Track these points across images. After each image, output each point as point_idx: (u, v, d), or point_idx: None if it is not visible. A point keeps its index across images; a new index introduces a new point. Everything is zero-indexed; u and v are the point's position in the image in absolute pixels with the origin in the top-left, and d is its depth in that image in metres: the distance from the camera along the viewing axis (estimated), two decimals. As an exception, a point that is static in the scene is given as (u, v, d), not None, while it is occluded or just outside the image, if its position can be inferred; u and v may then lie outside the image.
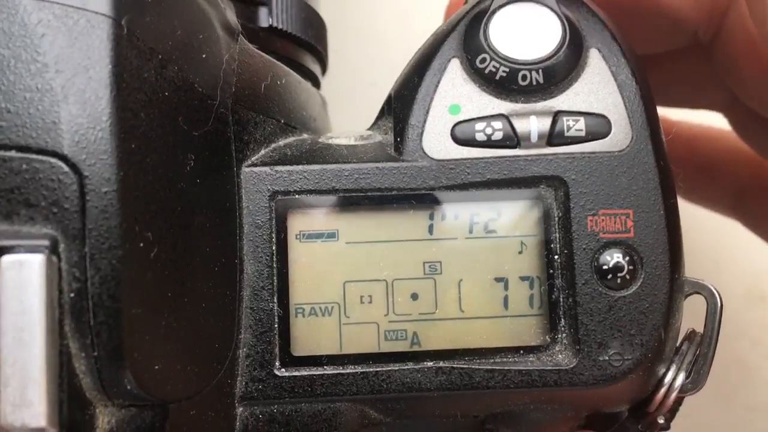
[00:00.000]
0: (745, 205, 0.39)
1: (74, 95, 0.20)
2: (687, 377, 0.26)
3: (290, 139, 0.27)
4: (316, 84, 0.34)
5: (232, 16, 0.26)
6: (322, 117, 0.32)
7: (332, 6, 0.38)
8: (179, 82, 0.22)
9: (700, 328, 0.27)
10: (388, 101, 0.28)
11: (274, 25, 0.30)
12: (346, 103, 0.43)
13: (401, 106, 0.26)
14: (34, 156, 0.20)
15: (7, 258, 0.19)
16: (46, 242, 0.20)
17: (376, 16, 0.48)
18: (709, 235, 0.46)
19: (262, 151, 0.26)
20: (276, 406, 0.25)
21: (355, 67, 0.46)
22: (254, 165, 0.25)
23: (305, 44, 0.32)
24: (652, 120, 0.25)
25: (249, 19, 0.29)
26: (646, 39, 0.30)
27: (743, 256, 0.47)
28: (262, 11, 0.30)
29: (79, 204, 0.20)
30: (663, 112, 0.38)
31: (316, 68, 0.34)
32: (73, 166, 0.20)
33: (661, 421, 0.27)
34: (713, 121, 0.38)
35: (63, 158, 0.20)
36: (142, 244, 0.21)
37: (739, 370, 0.47)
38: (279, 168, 0.25)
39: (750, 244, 0.41)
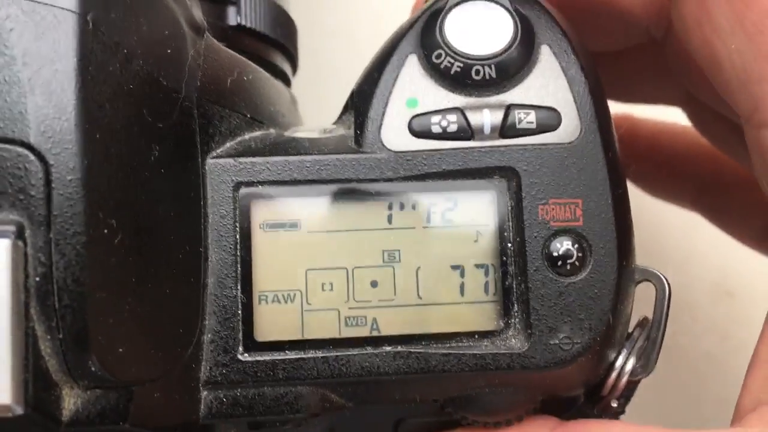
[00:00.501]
0: (707, 200, 0.40)
1: (41, 87, 0.21)
2: (637, 362, 0.27)
3: (256, 133, 0.28)
4: (287, 82, 0.35)
5: (198, 13, 0.27)
6: (291, 113, 0.33)
7: (308, 7, 0.39)
8: (144, 75, 0.23)
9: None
10: (351, 97, 0.29)
11: (243, 23, 0.31)
12: (322, 102, 0.44)
13: (362, 101, 0.27)
14: (0, 145, 0.21)
15: (-26, 242, 0.20)
16: (12, 228, 0.21)
17: (351, 17, 0.49)
18: (678, 230, 0.47)
19: (228, 144, 0.27)
20: (239, 390, 0.25)
21: (331, 68, 0.47)
22: (219, 156, 0.26)
23: (274, 42, 0.33)
24: (601, 113, 0.26)
25: (218, 17, 0.30)
26: (600, 36, 0.31)
27: (712, 252, 0.48)
28: (231, 10, 0.31)
29: (45, 191, 0.21)
30: (626, 108, 0.39)
31: (286, 66, 0.35)
32: (39, 155, 0.21)
33: (614, 405, 0.28)
34: (675, 117, 0.39)
35: (29, 147, 0.21)
36: (106, 231, 0.22)
37: (708, 364, 0.48)
38: (243, 159, 0.26)
39: (718, 239, 0.42)
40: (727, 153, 0.37)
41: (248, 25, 0.31)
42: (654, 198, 0.42)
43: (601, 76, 0.28)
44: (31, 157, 0.21)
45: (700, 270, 0.48)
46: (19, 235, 0.21)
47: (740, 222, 0.39)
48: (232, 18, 0.31)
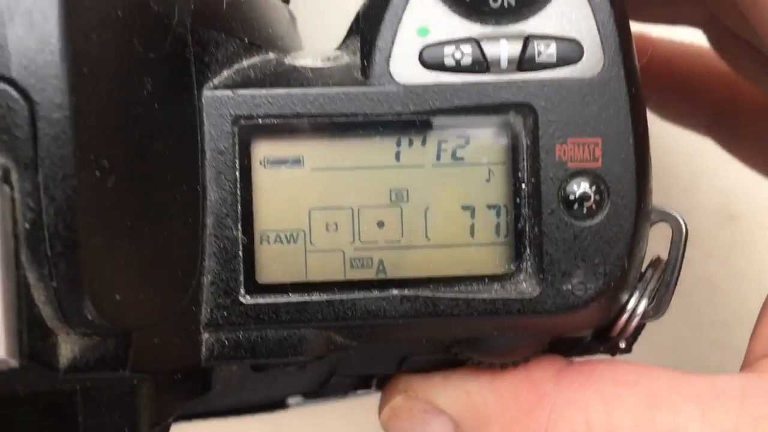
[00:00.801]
0: (721, 125, 0.39)
1: (21, 15, 0.19)
2: (649, 304, 0.26)
3: (254, 59, 0.26)
4: (285, -1, 0.33)
5: (190, -72, 0.24)
6: (290, 35, 0.31)
7: None
8: (133, 0, 0.21)
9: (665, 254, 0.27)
10: (356, 20, 0.27)
11: (238, -65, 0.28)
12: (321, 14, 0.42)
13: (368, 27, 0.25)
14: (-20, 81, 0.19)
15: (-44, 188, 0.19)
16: (-4, 171, 0.19)
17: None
18: (684, 154, 0.46)
19: (225, 73, 0.25)
20: (241, 333, 0.25)
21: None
22: (216, 88, 0.24)
23: (272, -44, 0.30)
24: (626, 45, 0.25)
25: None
26: None
27: (717, 176, 0.47)
28: None
29: (30, 132, 0.19)
30: (642, 28, 0.37)
31: (284, -19, 0.32)
32: (23, 92, 0.19)
33: (622, 345, 0.28)
34: (693, 37, 0.37)
35: (11, 82, 0.19)
36: (97, 172, 0.20)
37: (706, 288, 0.48)
38: (242, 92, 0.24)
39: (724, 164, 0.41)
40: (746, 77, 0.35)
41: (244, -63, 0.28)
42: (661, 120, 0.41)
43: None
44: (14, 93, 0.19)
45: (704, 194, 0.48)
46: (5, 179, 0.19)
47: (755, 149, 0.38)
48: (227, -70, 0.28)
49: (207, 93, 0.24)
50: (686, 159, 0.47)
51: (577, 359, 0.28)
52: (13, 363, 0.20)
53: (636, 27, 0.36)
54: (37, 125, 0.19)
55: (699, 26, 0.35)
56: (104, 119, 0.21)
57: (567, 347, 0.28)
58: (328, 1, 0.43)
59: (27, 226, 0.20)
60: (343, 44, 0.27)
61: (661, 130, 0.42)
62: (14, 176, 0.20)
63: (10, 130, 0.19)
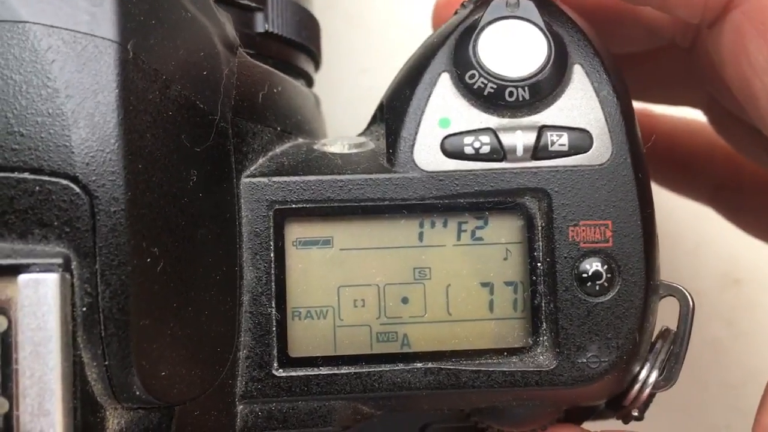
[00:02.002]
0: (723, 199, 0.40)
1: (84, 119, 0.21)
2: (660, 374, 0.28)
3: (286, 146, 0.28)
4: (310, 83, 0.35)
5: (231, 30, 0.27)
6: (315, 118, 0.33)
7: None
8: (182, 100, 0.23)
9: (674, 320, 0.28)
10: (381, 108, 0.29)
11: (270, 30, 0.31)
12: (338, 90, 0.44)
13: (393, 118, 0.27)
14: (46, 178, 0.21)
15: (24, 277, 0.21)
16: (59, 260, 0.21)
17: (368, 2, 0.48)
18: (689, 218, 0.48)
19: (260, 161, 0.27)
20: (274, 404, 0.26)
21: (348, 54, 0.47)
22: (253, 176, 0.26)
23: (300, 46, 0.33)
24: (632, 134, 0.27)
25: (246, 25, 0.30)
26: (623, 41, 0.31)
27: (721, 240, 0.48)
28: (258, 17, 0.31)
29: (90, 223, 0.21)
30: (645, 105, 0.39)
31: (309, 67, 0.35)
32: (84, 188, 0.21)
33: (635, 413, 0.29)
34: (692, 114, 0.39)
35: (74, 180, 0.21)
36: (149, 260, 0.22)
37: (714, 349, 0.49)
38: (277, 179, 0.26)
39: (728, 229, 0.42)
40: (746, 155, 0.37)
41: (275, 31, 0.31)
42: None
43: (624, 76, 0.28)
44: (77, 189, 0.21)
45: (709, 258, 0.49)
46: (66, 267, 0.21)
47: (757, 220, 0.40)
48: (260, 25, 0.31)
49: (245, 180, 0.26)
50: (690, 224, 0.48)
51: (590, 426, 0.29)
52: (68, 438, 0.21)
53: (639, 105, 0.38)
54: (96, 218, 0.21)
55: (700, 108, 0.36)
56: (155, 210, 0.22)
57: (581, 415, 0.30)
58: (343, 80, 0.45)
59: (84, 309, 0.21)
60: (368, 130, 0.29)
61: (666, 196, 0.44)
62: (74, 264, 0.21)
63: (72, 222, 0.21)
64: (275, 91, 0.29)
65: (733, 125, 0.35)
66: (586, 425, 0.29)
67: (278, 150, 0.28)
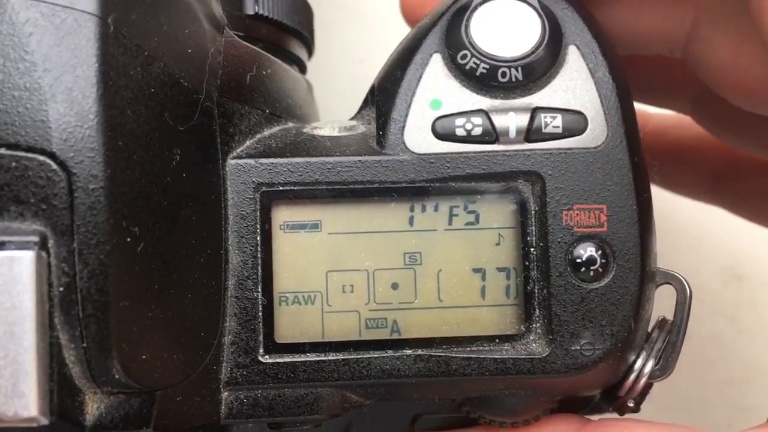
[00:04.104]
0: (724, 189, 0.40)
1: (62, 94, 0.21)
2: (656, 364, 0.27)
3: (275, 129, 0.28)
4: (302, 69, 0.35)
5: (217, 9, 0.26)
6: (308, 103, 0.32)
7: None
8: (165, 78, 0.23)
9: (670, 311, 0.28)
10: (372, 92, 0.28)
11: (260, 12, 0.30)
12: (335, 81, 0.43)
13: (384, 99, 0.26)
14: (23, 153, 0.21)
15: (-2, 254, 0.20)
16: (35, 238, 0.20)
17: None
18: (691, 215, 0.47)
19: (247, 143, 0.26)
20: (260, 391, 0.26)
21: (344, 44, 0.46)
22: (239, 157, 0.26)
23: (291, 30, 0.32)
24: (628, 117, 0.26)
25: (235, 6, 0.30)
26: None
27: (723, 237, 0.48)
28: (248, -1, 0.30)
29: (68, 201, 0.21)
30: (639, 106, 0.39)
31: (302, 53, 0.34)
32: (62, 164, 0.21)
33: (631, 404, 0.28)
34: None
35: (51, 156, 0.21)
36: (129, 239, 0.22)
37: (715, 345, 0.48)
38: (264, 160, 0.26)
39: (730, 224, 0.42)
40: (741, 149, 0.36)
41: (266, 13, 0.30)
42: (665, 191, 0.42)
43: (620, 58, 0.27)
44: (54, 166, 0.21)
45: (711, 254, 0.48)
46: (43, 245, 0.21)
47: (759, 206, 0.39)
48: (250, 7, 0.30)
49: (231, 162, 0.25)
50: (692, 220, 0.48)
51: (591, 419, 0.28)
52: (44, 421, 0.21)
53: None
54: (74, 195, 0.21)
55: (685, 112, 0.36)
56: (136, 189, 0.22)
57: (576, 407, 0.29)
58: (340, 70, 0.45)
59: (61, 289, 0.21)
60: (359, 114, 0.29)
61: (668, 192, 0.43)
62: (51, 242, 0.21)
63: (49, 199, 0.21)
64: (264, 73, 0.28)
65: (720, 129, 0.35)
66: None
67: (266, 132, 0.27)
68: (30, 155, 0.21)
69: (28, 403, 0.20)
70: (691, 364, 0.47)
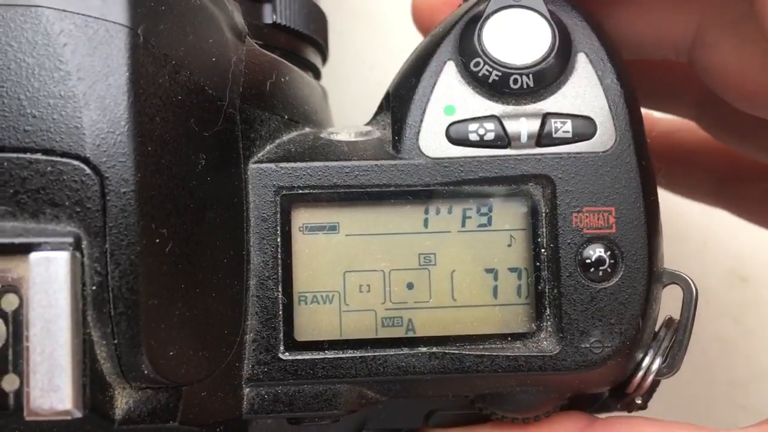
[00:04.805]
0: (728, 192, 0.40)
1: (95, 101, 0.22)
2: (663, 362, 0.28)
3: (293, 134, 0.29)
4: (317, 75, 0.36)
5: (239, 18, 0.27)
6: (323, 109, 0.33)
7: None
8: (191, 85, 0.24)
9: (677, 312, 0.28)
10: (387, 98, 0.29)
11: (278, 21, 0.31)
12: (347, 85, 0.44)
13: (399, 106, 0.27)
14: (58, 159, 0.22)
15: (35, 255, 0.21)
16: (70, 239, 0.21)
17: (374, -1, 0.49)
18: (697, 216, 0.48)
19: (268, 148, 0.27)
20: (280, 387, 0.26)
21: (355, 50, 0.47)
22: (260, 161, 0.27)
23: (307, 38, 0.33)
24: (636, 122, 0.27)
25: (254, 16, 0.31)
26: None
27: (728, 239, 0.48)
28: (267, 8, 0.31)
29: (100, 203, 0.22)
30: (645, 111, 0.39)
31: (317, 60, 0.35)
32: (95, 168, 0.22)
33: (638, 401, 0.29)
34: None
35: (85, 161, 0.22)
36: (157, 240, 0.23)
37: (720, 347, 0.49)
38: (284, 165, 0.26)
39: (735, 227, 0.42)
40: (745, 153, 0.37)
41: (283, 22, 0.31)
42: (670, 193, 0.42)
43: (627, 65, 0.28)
44: (87, 170, 0.22)
45: (716, 256, 0.49)
46: (77, 246, 0.22)
47: (764, 209, 0.40)
48: (268, 16, 0.31)
49: (252, 166, 0.26)
50: (698, 222, 0.48)
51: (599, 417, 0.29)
52: (77, 414, 0.22)
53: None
54: (106, 198, 0.22)
55: (690, 118, 0.37)
56: (164, 192, 0.23)
57: (585, 404, 0.30)
58: (351, 76, 0.46)
59: (94, 288, 0.22)
60: (374, 119, 0.30)
61: (673, 195, 0.44)
62: (84, 243, 0.22)
63: (83, 202, 0.22)
64: (283, 80, 0.29)
65: (724, 134, 0.35)
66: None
67: (285, 137, 0.28)
68: (65, 160, 0.22)
69: (63, 397, 0.21)
70: (697, 365, 0.47)
